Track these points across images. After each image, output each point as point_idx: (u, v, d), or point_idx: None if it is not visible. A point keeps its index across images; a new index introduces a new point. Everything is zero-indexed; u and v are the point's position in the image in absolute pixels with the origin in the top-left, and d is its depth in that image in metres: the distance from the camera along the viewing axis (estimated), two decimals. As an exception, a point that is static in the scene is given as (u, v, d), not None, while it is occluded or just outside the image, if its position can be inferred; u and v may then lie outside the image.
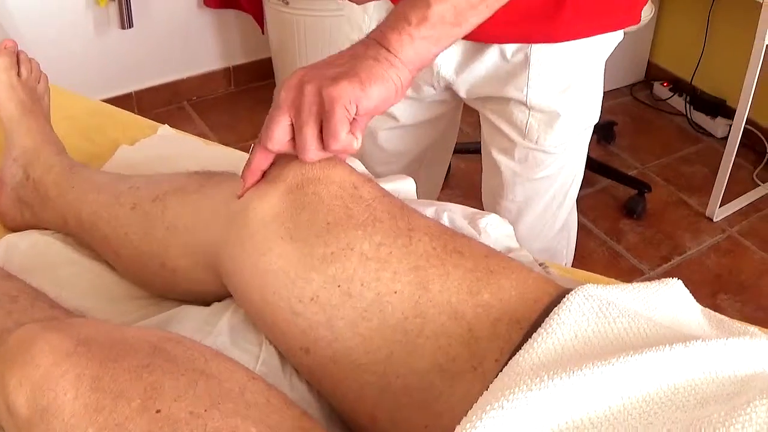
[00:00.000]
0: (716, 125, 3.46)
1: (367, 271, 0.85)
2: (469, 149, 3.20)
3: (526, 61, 1.32)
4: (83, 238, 1.19)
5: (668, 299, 0.85)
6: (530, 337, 0.76)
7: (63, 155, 1.27)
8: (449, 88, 1.44)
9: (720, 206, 2.93)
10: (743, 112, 2.68)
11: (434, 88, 1.44)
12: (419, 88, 1.45)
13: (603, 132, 3.40)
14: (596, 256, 2.77)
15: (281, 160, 0.95)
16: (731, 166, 2.81)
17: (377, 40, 0.93)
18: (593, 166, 3.11)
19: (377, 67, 0.90)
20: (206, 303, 1.03)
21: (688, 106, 3.56)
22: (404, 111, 1.51)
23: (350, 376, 0.84)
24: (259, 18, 3.45)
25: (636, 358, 0.69)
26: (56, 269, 1.16)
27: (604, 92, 1.52)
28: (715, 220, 2.94)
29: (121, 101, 3.27)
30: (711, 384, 0.70)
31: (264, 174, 0.96)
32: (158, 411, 0.69)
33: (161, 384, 0.71)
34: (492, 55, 1.34)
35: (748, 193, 3.07)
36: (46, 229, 1.24)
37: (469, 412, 0.67)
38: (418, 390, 0.81)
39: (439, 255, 0.86)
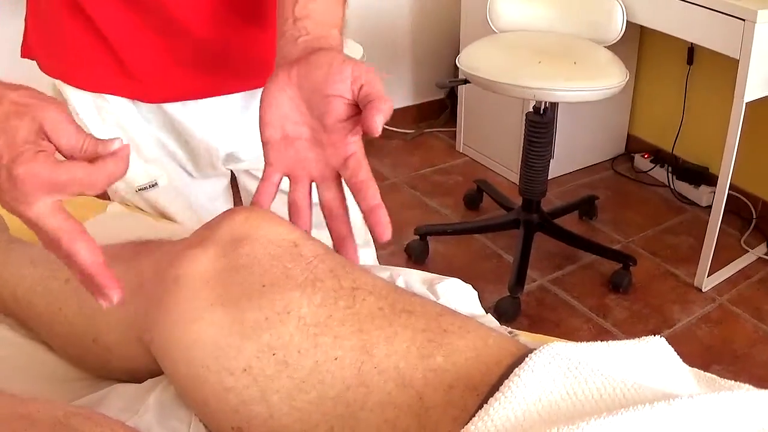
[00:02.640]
0: (700, 194, 3.42)
1: (305, 336, 0.76)
2: (446, 231, 3.17)
3: None
4: (20, 317, 1.11)
5: (649, 358, 0.76)
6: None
7: (2, 231, 1.20)
8: None
9: (708, 275, 2.87)
10: (726, 178, 2.64)
11: None
12: None
13: (584, 207, 3.34)
14: (582, 333, 2.69)
15: (212, 219, 0.87)
16: (717, 234, 2.75)
17: None
18: (576, 241, 3.05)
19: None
20: (143, 381, 0.94)
21: (670, 176, 3.52)
22: None
23: None
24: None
25: (610, 421, 0.60)
26: (-7, 349, 1.07)
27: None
28: (703, 290, 2.87)
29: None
30: (699, 447, 0.61)
31: (195, 234, 0.88)
32: None
33: None
34: None
35: (736, 261, 3.01)
36: (-16, 310, 1.16)
37: None
38: None
39: (386, 315, 0.77)
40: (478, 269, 3.00)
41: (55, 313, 1.02)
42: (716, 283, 2.92)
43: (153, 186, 1.37)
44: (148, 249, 0.97)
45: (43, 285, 1.04)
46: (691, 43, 3.25)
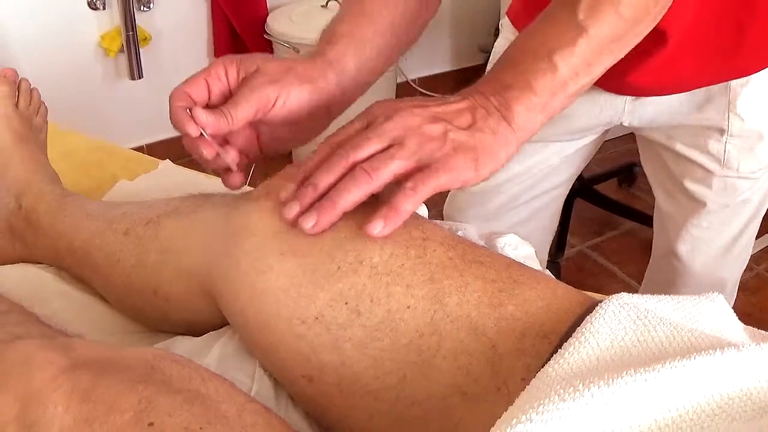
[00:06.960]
0: (740, 163, 3.38)
1: (378, 285, 0.76)
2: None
3: (726, 88, 1.26)
4: (76, 270, 1.12)
5: (710, 312, 0.76)
6: (560, 350, 0.67)
7: (56, 184, 1.21)
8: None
9: (747, 244, 2.83)
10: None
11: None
12: None
13: (624, 174, 3.32)
14: (622, 299, 2.67)
15: (283, 170, 0.88)
16: (757, 203, 2.71)
17: (500, 110, 0.85)
18: (615, 208, 3.04)
19: (495, 145, 0.83)
20: (202, 334, 0.95)
21: (710, 144, 3.48)
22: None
23: (358, 404, 0.75)
24: (271, 67, 3.40)
25: (684, 364, 0.60)
26: (48, 302, 1.08)
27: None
28: (742, 258, 2.84)
29: (132, 154, 3.23)
30: (770, 392, 0.61)
31: (262, 186, 0.88)
32: (151, 424, 0.62)
33: (155, 398, 0.64)
34: None
35: (773, 231, 2.98)
36: (38, 263, 1.17)
37: (492, 428, 0.58)
38: (436, 417, 0.72)
39: (456, 265, 0.78)
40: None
41: (113, 266, 1.03)
42: (753, 252, 2.88)
43: None
44: (212, 202, 0.98)
45: (100, 237, 1.05)
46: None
